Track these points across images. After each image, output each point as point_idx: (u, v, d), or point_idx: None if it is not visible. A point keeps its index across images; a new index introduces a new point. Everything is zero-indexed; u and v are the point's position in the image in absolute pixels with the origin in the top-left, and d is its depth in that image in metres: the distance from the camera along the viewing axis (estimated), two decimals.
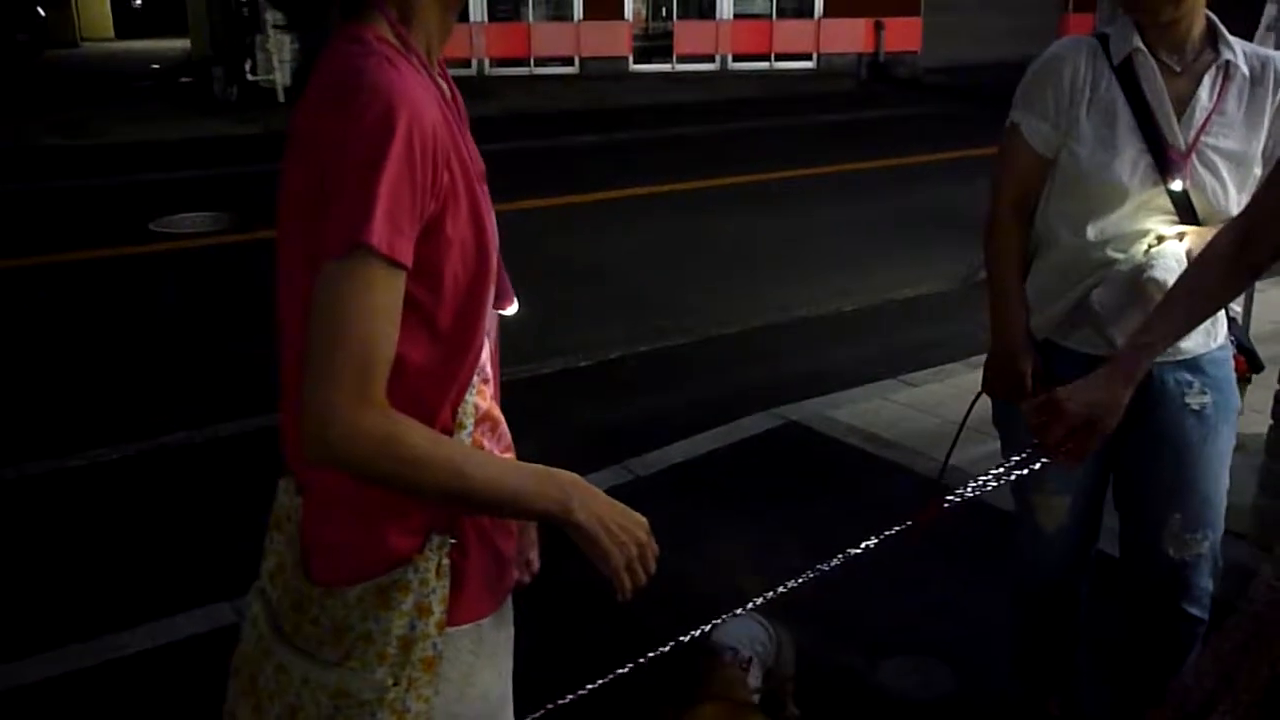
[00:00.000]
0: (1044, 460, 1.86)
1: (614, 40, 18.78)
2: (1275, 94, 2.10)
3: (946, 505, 1.87)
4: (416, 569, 1.21)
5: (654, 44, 19.50)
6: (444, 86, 1.26)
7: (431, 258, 1.16)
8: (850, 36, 19.43)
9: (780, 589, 1.82)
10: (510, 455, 1.34)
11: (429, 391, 1.20)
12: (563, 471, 1.24)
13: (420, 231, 1.13)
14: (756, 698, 2.42)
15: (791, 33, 19.63)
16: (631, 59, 19.00)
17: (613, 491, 4.44)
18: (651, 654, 1.76)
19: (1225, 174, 2.09)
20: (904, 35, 19.35)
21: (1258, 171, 2.12)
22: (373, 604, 1.20)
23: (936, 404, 4.48)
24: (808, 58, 19.73)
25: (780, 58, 19.60)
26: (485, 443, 1.28)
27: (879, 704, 2.78)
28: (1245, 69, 2.09)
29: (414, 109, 1.11)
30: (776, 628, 2.56)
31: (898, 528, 1.84)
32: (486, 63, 18.06)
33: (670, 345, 5.64)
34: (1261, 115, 2.10)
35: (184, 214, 8.34)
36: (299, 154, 1.15)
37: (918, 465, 3.96)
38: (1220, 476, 2.24)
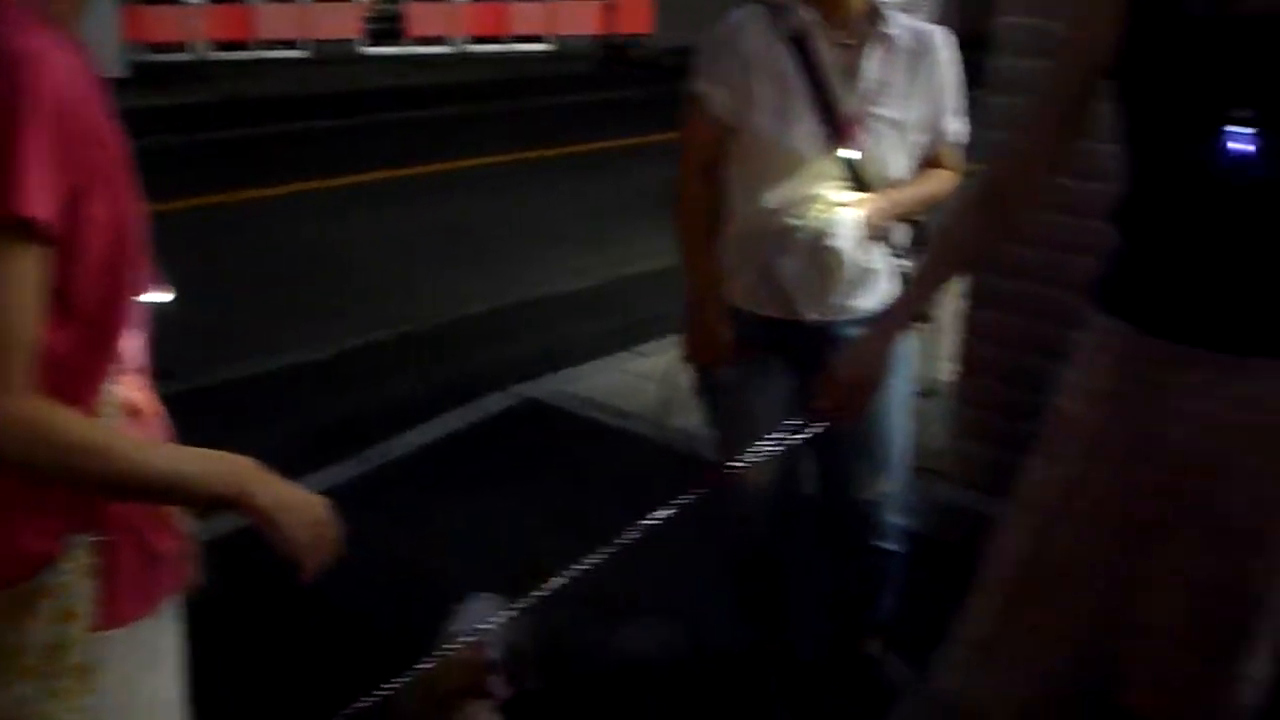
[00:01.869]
0: (824, 425, 1.95)
1: (343, 22, 18.26)
2: (932, 64, 2.24)
3: (726, 473, 2.00)
4: (58, 572, 1.15)
5: (386, 26, 19.08)
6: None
7: (72, 236, 1.10)
8: (584, 18, 19.64)
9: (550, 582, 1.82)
10: None
11: (67, 378, 1.14)
12: (235, 455, 1.21)
13: (61, 207, 1.07)
14: (497, 676, 2.44)
15: (527, 14, 19.66)
16: (363, 41, 18.51)
17: (349, 484, 4.34)
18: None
19: (890, 141, 2.22)
20: (637, 17, 19.71)
21: (919, 138, 2.27)
22: (12, 613, 1.13)
23: (667, 373, 4.60)
24: (544, 40, 19.81)
25: (517, 40, 19.59)
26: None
27: (617, 667, 2.85)
28: (905, 41, 2.21)
29: (57, 81, 1.05)
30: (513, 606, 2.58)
31: (665, 509, 1.87)
32: (205, 46, 17.16)
33: (409, 331, 5.55)
34: (921, 85, 2.23)
35: None
36: None
37: (651, 432, 4.08)
38: (900, 422, 2.41)
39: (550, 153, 10.31)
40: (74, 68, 1.11)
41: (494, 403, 4.48)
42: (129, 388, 1.22)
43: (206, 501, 1.21)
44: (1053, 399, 1.82)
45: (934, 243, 2.01)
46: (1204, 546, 1.68)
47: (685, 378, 2.52)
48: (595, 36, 19.63)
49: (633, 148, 10.53)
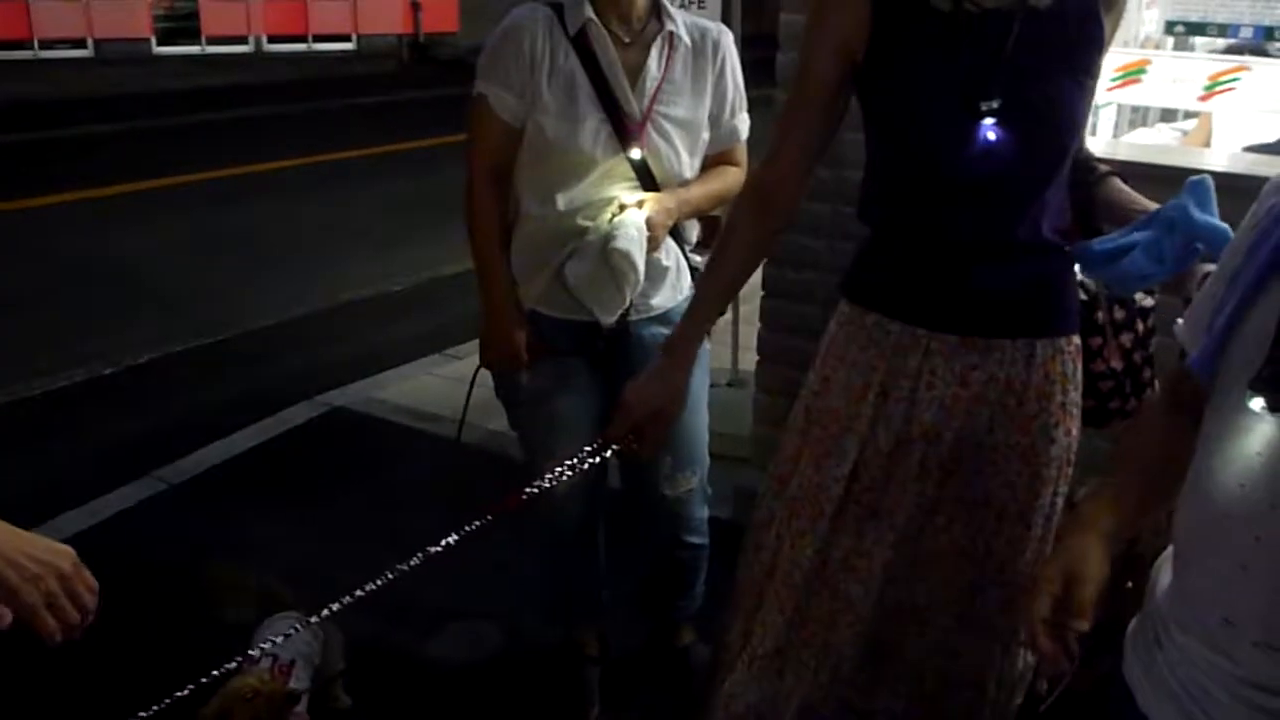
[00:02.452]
0: (615, 450, 1.84)
1: (132, 20, 17.28)
2: (714, 62, 2.26)
3: (526, 495, 1.83)
4: None
5: (180, 25, 18.18)
6: None
7: None
8: (389, 17, 19.20)
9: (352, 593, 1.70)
10: None
11: None
12: None
13: None
14: (305, 698, 2.36)
15: (328, 13, 19.07)
16: (154, 41, 17.62)
17: (145, 505, 4.11)
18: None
19: (677, 140, 2.23)
20: (441, 16, 19.41)
21: (705, 136, 2.30)
22: None
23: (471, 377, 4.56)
24: (347, 39, 19.30)
25: (319, 39, 19.01)
26: None
27: (433, 675, 2.81)
28: (687, 39, 2.22)
29: None
30: (321, 624, 2.50)
31: (479, 521, 1.76)
32: None
33: (206, 343, 5.33)
34: (705, 82, 2.26)
35: None
36: None
37: (463, 436, 4.02)
38: (699, 416, 2.44)
39: (353, 154, 10.06)
40: None
41: (298, 413, 4.35)
42: None
43: None
44: (806, 395, 1.83)
45: (712, 252, 1.98)
46: (969, 526, 1.75)
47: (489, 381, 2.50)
48: (399, 35, 19.24)
49: (438, 147, 10.37)
